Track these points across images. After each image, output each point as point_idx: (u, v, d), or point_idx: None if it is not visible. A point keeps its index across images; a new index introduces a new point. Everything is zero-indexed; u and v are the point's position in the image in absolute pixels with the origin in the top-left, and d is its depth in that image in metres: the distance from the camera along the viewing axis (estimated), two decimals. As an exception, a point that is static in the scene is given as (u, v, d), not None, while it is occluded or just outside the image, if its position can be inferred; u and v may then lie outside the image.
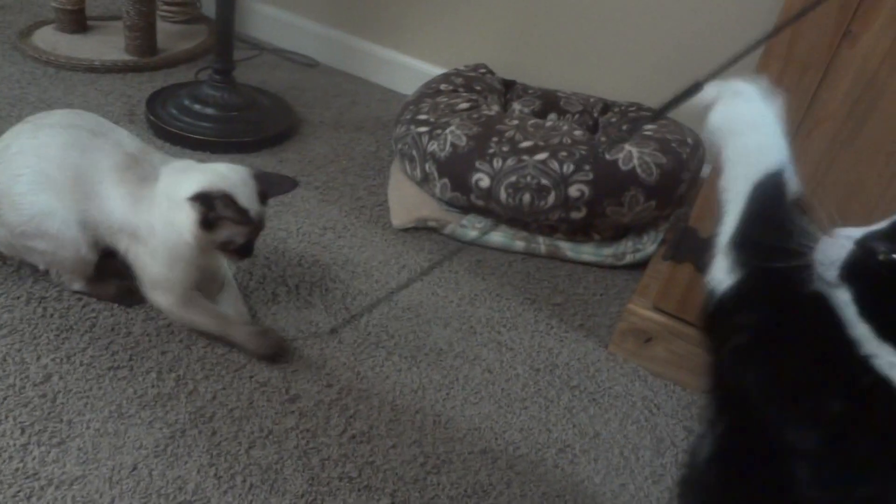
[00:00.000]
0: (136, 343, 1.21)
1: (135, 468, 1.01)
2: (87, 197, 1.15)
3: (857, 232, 0.68)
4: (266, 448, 1.08)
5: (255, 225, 1.14)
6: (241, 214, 1.11)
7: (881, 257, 0.63)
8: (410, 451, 1.12)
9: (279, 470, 1.05)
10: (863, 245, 0.65)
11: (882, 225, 0.67)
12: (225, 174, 1.14)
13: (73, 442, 1.03)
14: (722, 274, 0.76)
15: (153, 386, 1.14)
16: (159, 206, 1.13)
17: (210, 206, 1.08)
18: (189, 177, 1.13)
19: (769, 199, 0.77)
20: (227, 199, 1.09)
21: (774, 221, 0.75)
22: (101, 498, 0.97)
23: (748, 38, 1.16)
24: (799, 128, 1.12)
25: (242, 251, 1.16)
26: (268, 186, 1.17)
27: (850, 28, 1.06)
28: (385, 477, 1.07)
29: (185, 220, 1.10)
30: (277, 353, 1.23)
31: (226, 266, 1.28)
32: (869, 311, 0.64)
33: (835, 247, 0.66)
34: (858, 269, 0.65)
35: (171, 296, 1.18)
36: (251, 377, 1.19)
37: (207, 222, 1.10)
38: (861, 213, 1.12)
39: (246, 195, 1.12)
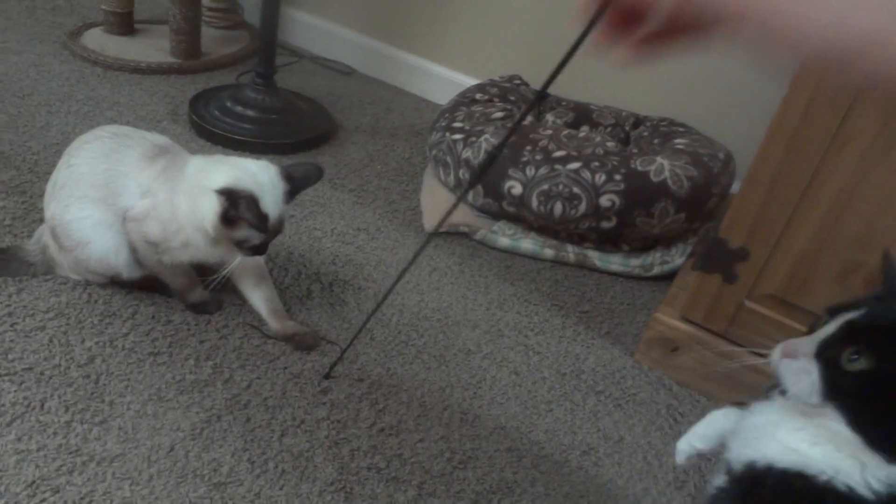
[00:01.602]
0: (175, 331, 1.25)
1: (172, 449, 1.05)
2: (117, 194, 1.19)
3: (808, 344, 0.70)
4: (298, 436, 1.11)
5: (274, 225, 1.16)
6: (261, 220, 1.12)
7: (849, 368, 0.65)
8: (437, 445, 1.14)
9: (310, 458, 1.08)
10: (825, 361, 0.67)
11: (829, 330, 0.70)
12: (255, 173, 1.15)
13: (114, 422, 1.07)
14: None
15: (191, 372, 1.18)
16: (185, 188, 1.15)
17: (234, 203, 1.10)
18: (220, 167, 1.16)
19: None
20: (251, 202, 1.11)
21: None
22: (140, 475, 1.00)
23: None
24: (832, 142, 1.13)
25: (255, 250, 1.17)
26: (295, 183, 1.19)
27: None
28: (412, 469, 1.10)
29: (207, 210, 1.13)
30: (311, 346, 1.26)
31: (262, 264, 1.31)
32: (857, 422, 0.65)
33: (800, 374, 0.69)
34: (835, 388, 0.67)
35: (155, 256, 1.20)
36: (285, 368, 1.22)
37: (228, 219, 1.12)
38: (891, 229, 1.13)
39: (271, 198, 1.14)
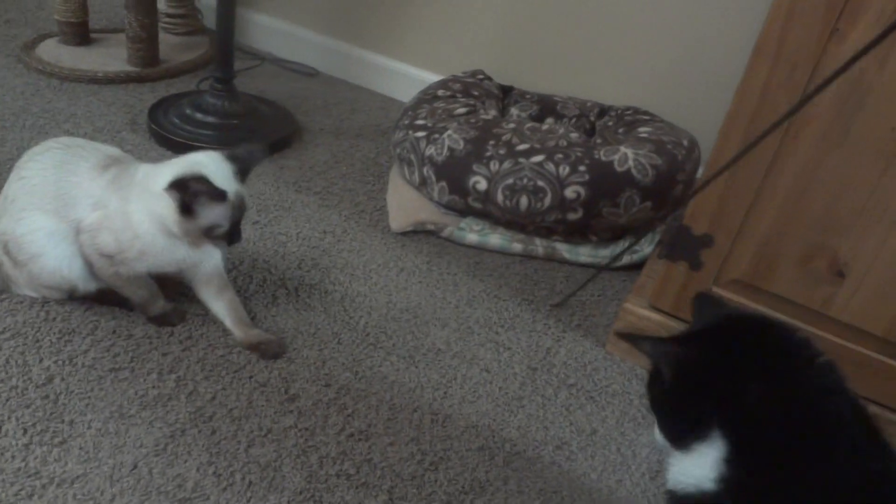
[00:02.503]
0: (137, 345, 1.22)
1: (135, 467, 1.02)
2: (70, 206, 1.17)
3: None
4: (265, 446, 1.09)
5: (235, 204, 1.14)
6: (218, 193, 1.11)
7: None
8: (408, 448, 1.13)
9: (278, 468, 1.06)
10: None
11: None
12: (197, 160, 1.15)
13: (75, 441, 1.04)
14: None
15: (154, 387, 1.15)
16: (137, 197, 1.14)
17: (185, 188, 1.09)
18: (164, 169, 1.15)
19: None
20: (201, 180, 1.10)
21: None
22: (102, 496, 0.98)
23: (741, 43, 1.17)
24: (789, 126, 1.13)
25: (230, 236, 1.17)
26: (241, 162, 1.18)
27: (837, 26, 1.07)
28: (383, 474, 1.08)
29: (166, 212, 1.11)
30: (277, 354, 1.24)
31: (223, 272, 1.29)
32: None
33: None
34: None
35: (112, 268, 1.18)
36: (251, 377, 1.20)
37: (187, 208, 1.11)
38: (853, 210, 1.14)
39: (221, 175, 1.13)
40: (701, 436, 0.73)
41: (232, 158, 1.18)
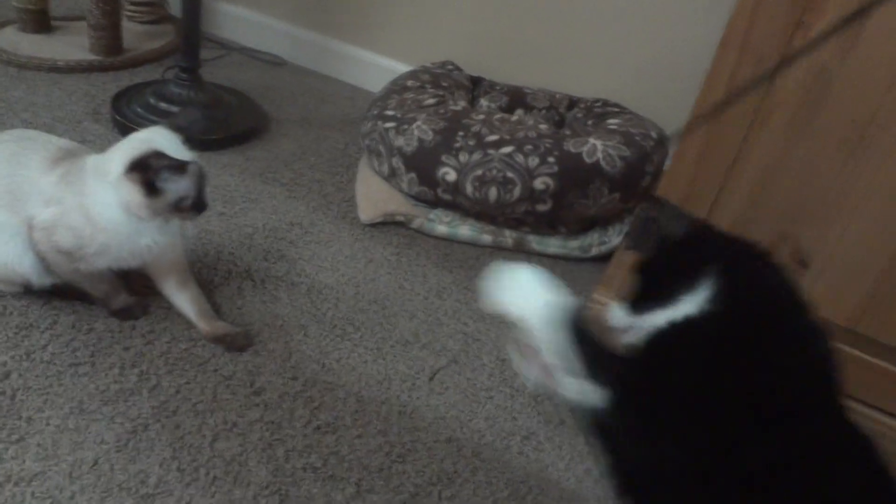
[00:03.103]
0: (98, 339, 1.20)
1: (96, 463, 1.00)
2: (21, 201, 1.13)
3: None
4: (230, 440, 1.07)
5: (195, 171, 1.11)
6: (179, 164, 1.08)
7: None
8: (376, 440, 1.12)
9: (243, 462, 1.05)
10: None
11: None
12: (145, 138, 1.13)
13: (33, 438, 1.02)
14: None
15: (115, 381, 1.13)
16: (92, 190, 1.10)
17: (145, 167, 1.07)
18: (112, 156, 1.12)
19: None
20: (158, 154, 1.07)
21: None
22: (62, 493, 0.96)
23: (708, 36, 1.18)
24: (755, 116, 1.14)
25: (196, 206, 1.14)
26: (185, 130, 1.15)
27: (802, 19, 1.08)
28: (350, 466, 1.07)
29: (131, 197, 1.09)
30: (243, 347, 1.23)
31: (185, 264, 1.26)
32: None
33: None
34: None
35: (71, 265, 1.15)
36: (215, 371, 1.18)
37: (151, 187, 1.08)
38: (816, 199, 1.15)
39: (173, 147, 1.11)
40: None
41: (176, 129, 1.15)
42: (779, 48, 1.10)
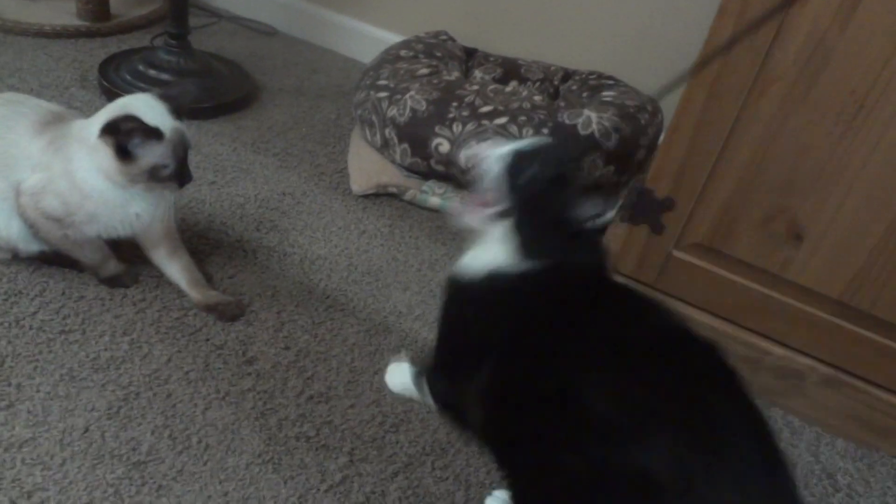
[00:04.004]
0: (88, 307, 1.19)
1: (87, 430, 1.00)
2: (9, 165, 1.12)
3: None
4: (222, 409, 1.07)
5: (174, 141, 1.09)
6: (151, 130, 1.06)
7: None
8: (369, 410, 1.12)
9: (236, 430, 1.04)
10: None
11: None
12: (126, 102, 1.10)
13: (23, 405, 1.01)
14: None
15: (106, 349, 1.12)
16: (76, 154, 1.09)
17: (117, 130, 1.04)
18: (95, 118, 1.10)
19: None
20: (131, 119, 1.05)
21: None
22: (52, 460, 0.95)
23: (704, 7, 1.15)
24: (752, 87, 1.13)
25: (179, 176, 1.11)
26: (174, 100, 1.12)
27: (800, -12, 1.07)
28: (343, 436, 1.07)
29: (104, 160, 1.07)
30: (235, 316, 1.22)
31: (175, 232, 1.25)
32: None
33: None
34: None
35: (59, 232, 1.14)
36: (207, 340, 1.17)
37: (123, 151, 1.06)
38: (812, 172, 1.14)
39: (153, 113, 1.08)
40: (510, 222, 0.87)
41: (164, 97, 1.12)
42: (777, 17, 1.09)
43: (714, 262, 1.28)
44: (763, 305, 1.27)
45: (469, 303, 0.91)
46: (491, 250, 0.88)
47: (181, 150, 1.11)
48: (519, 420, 0.81)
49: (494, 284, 0.87)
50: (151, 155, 1.07)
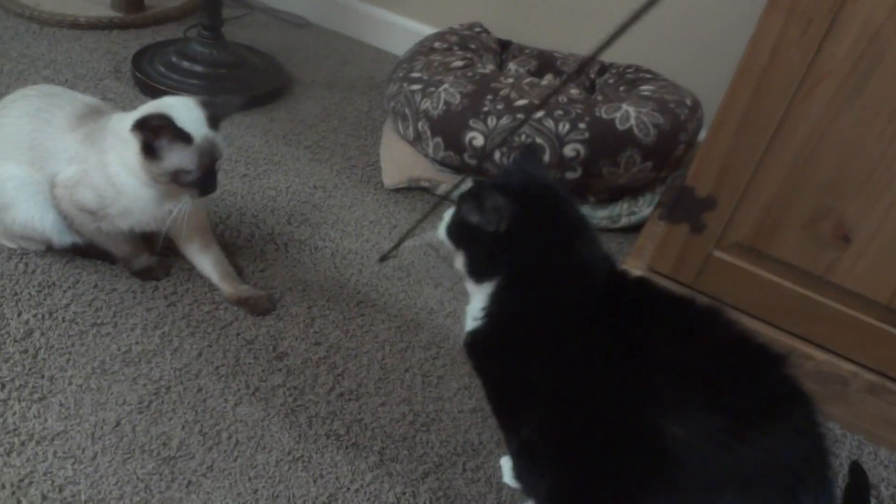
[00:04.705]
0: (120, 300, 1.18)
1: (118, 424, 0.99)
2: (44, 157, 1.11)
3: None
4: (253, 405, 1.06)
5: (203, 149, 1.07)
6: (181, 133, 1.04)
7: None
8: (399, 409, 1.10)
9: (266, 427, 1.03)
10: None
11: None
12: (166, 102, 1.09)
13: (55, 398, 1.01)
14: None
15: (137, 343, 1.12)
16: (111, 146, 1.08)
17: (147, 127, 1.03)
18: (133, 113, 1.08)
19: None
20: (163, 119, 1.03)
21: None
22: (83, 453, 0.95)
23: (747, 4, 1.11)
24: (801, 83, 1.09)
25: (203, 184, 1.09)
26: (214, 109, 1.10)
27: (855, -22, 1.02)
28: (373, 434, 1.06)
29: (132, 154, 1.06)
30: (266, 310, 1.21)
31: (207, 227, 1.24)
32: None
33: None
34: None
35: (93, 224, 1.14)
36: (238, 334, 1.17)
37: (150, 149, 1.04)
38: (862, 173, 1.10)
39: (188, 118, 1.06)
40: (492, 276, 0.86)
41: (205, 105, 1.10)
42: (830, 12, 1.05)
43: (756, 262, 1.24)
44: (806, 308, 1.23)
45: (494, 353, 0.88)
46: (480, 297, 0.88)
47: (208, 159, 1.08)
48: (588, 462, 0.77)
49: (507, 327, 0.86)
50: (177, 158, 1.05)
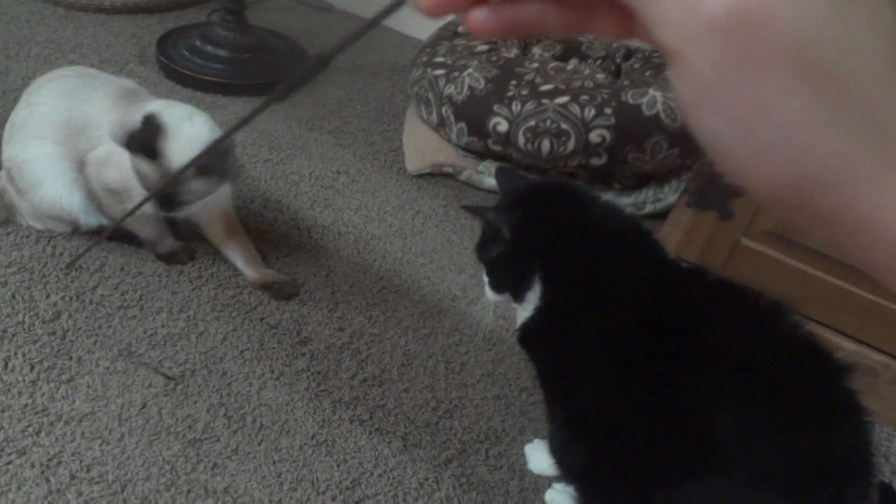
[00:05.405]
0: (146, 283, 1.19)
1: (144, 406, 1.00)
2: (77, 136, 1.12)
3: None
4: (277, 390, 1.06)
5: (164, 171, 1.03)
6: (153, 150, 1.02)
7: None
8: (422, 395, 1.10)
9: (290, 411, 1.04)
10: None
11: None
12: (180, 114, 1.06)
13: (83, 379, 1.02)
14: None
15: (163, 326, 1.12)
16: None
17: (147, 127, 1.02)
18: (167, 108, 1.07)
19: None
20: (153, 124, 1.02)
21: None
22: (110, 434, 0.96)
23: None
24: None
25: (161, 200, 1.06)
26: (214, 162, 1.06)
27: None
28: (397, 420, 1.06)
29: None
30: (290, 295, 1.21)
31: (231, 212, 1.25)
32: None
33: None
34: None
35: (119, 205, 1.13)
36: (262, 319, 1.17)
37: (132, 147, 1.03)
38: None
39: (185, 144, 1.03)
40: (529, 286, 0.85)
41: (221, 152, 1.07)
42: None
43: (785, 250, 1.22)
44: (836, 297, 1.21)
45: (546, 341, 0.88)
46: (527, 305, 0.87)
47: (171, 184, 1.05)
48: (631, 441, 0.77)
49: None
50: (143, 167, 1.05)
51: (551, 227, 0.84)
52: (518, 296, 0.87)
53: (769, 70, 0.24)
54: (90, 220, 1.19)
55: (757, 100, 0.25)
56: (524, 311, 0.88)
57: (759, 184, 0.27)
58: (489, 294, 0.92)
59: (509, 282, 0.88)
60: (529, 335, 0.89)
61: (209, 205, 1.18)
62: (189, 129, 1.05)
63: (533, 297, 0.86)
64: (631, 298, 0.79)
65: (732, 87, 0.25)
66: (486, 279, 0.92)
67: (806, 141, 0.25)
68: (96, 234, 1.22)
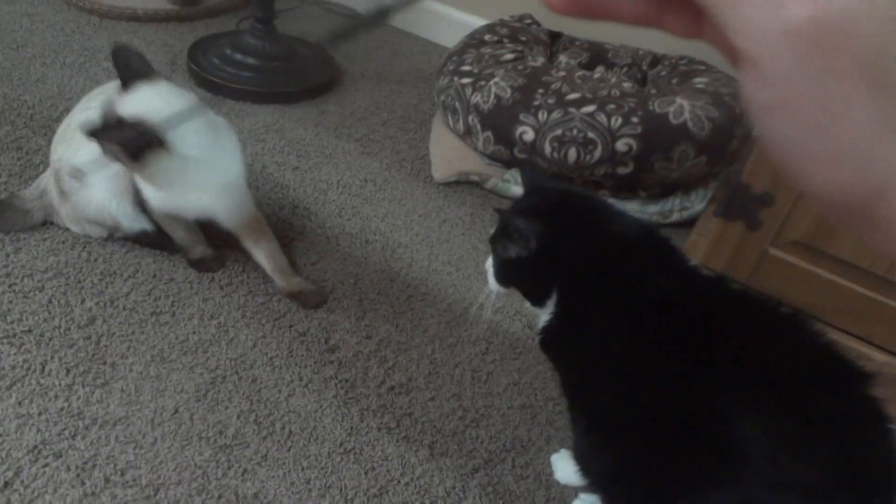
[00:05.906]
0: (178, 289, 1.21)
1: (176, 411, 1.02)
2: None
3: None
4: (305, 397, 1.08)
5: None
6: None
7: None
8: (449, 404, 1.11)
9: (318, 418, 1.05)
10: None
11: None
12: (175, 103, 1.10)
13: (117, 384, 1.04)
14: None
15: (194, 332, 1.14)
16: None
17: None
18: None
19: None
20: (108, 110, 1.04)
21: None
22: (144, 438, 0.98)
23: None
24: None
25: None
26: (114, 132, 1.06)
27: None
28: (423, 429, 1.07)
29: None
30: (318, 303, 1.23)
31: (261, 219, 1.27)
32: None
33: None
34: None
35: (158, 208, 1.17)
36: (290, 326, 1.19)
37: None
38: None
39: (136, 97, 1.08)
40: (549, 294, 0.87)
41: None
42: None
43: (814, 261, 1.21)
44: (865, 308, 1.20)
45: (566, 346, 0.90)
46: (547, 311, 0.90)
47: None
48: (653, 448, 0.78)
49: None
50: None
51: (577, 244, 0.85)
52: (538, 301, 0.90)
53: (844, 79, 0.25)
54: (134, 225, 1.21)
55: (831, 107, 0.26)
56: (544, 314, 0.90)
57: (824, 189, 0.28)
58: (492, 284, 0.94)
59: (526, 286, 0.91)
60: (549, 340, 0.91)
61: (230, 210, 1.19)
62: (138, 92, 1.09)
63: (550, 304, 0.88)
64: (649, 306, 0.79)
65: (808, 93, 0.26)
66: (490, 269, 0.93)
67: (873, 150, 0.26)
68: (140, 236, 1.25)
